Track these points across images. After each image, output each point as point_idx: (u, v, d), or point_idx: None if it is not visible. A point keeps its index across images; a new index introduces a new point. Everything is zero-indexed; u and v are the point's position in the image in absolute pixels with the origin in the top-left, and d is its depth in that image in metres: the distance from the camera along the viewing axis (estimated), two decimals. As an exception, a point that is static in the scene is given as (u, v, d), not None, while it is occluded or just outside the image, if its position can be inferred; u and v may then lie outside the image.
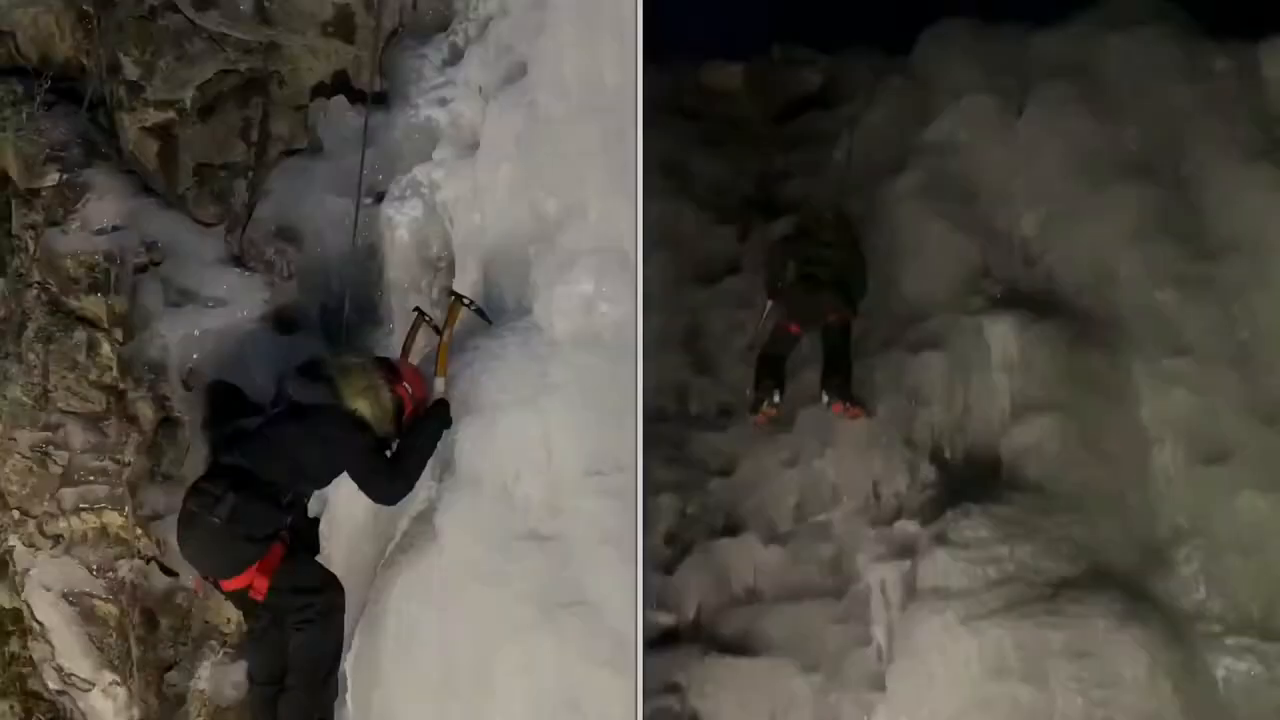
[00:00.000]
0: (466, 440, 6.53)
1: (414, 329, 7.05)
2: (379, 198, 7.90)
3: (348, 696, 6.48)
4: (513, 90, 7.30)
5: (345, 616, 6.52)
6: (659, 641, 8.67)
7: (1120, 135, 9.10)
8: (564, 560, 6.26)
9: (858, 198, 9.70)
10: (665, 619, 8.73)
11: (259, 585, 6.15)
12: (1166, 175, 8.88)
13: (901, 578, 7.73)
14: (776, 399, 8.69)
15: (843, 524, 8.31)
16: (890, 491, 8.24)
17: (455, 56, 8.01)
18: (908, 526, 7.92)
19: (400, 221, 7.71)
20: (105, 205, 8.37)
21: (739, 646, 8.28)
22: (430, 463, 6.57)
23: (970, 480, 7.96)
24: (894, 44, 10.55)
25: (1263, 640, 7.05)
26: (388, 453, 6.45)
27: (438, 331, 6.83)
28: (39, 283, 8.50)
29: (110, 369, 8.30)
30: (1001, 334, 8.27)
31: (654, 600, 8.80)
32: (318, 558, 6.78)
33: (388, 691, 6.31)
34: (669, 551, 8.99)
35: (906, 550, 7.81)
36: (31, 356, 8.35)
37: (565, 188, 6.93)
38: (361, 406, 6.29)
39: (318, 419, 6.27)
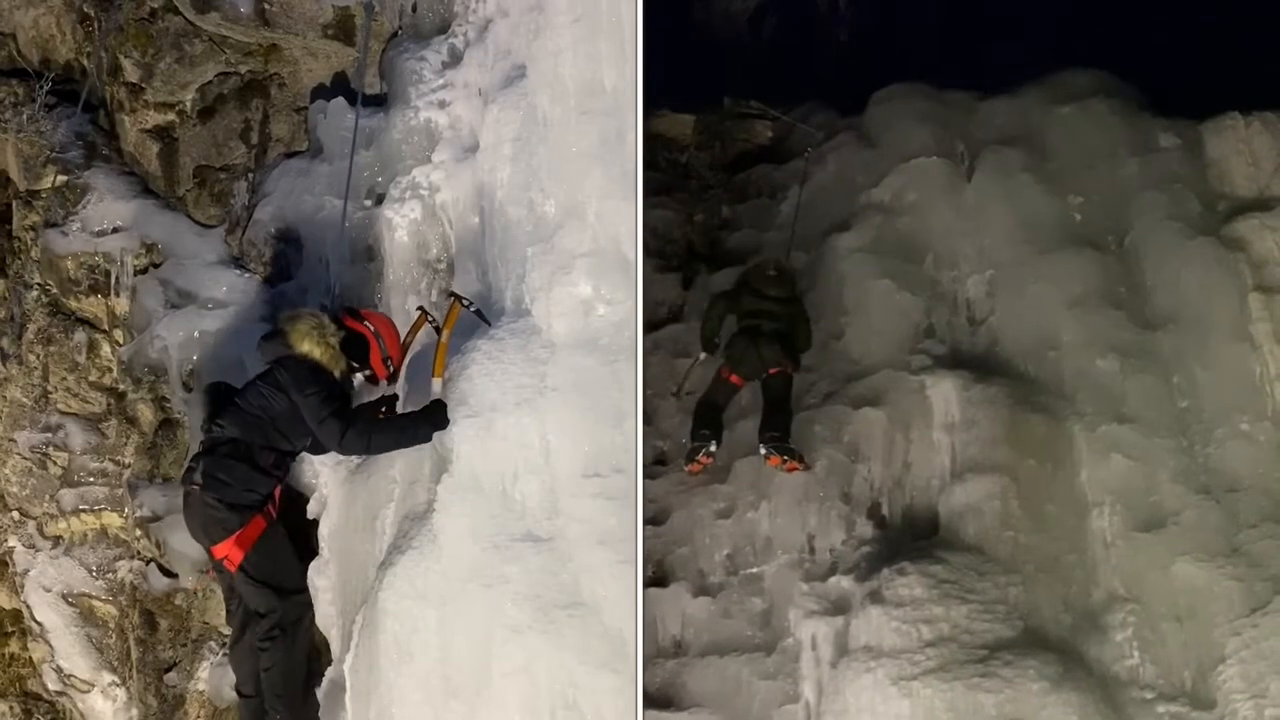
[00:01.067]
0: (465, 442, 6.44)
1: (414, 327, 7.04)
2: (379, 200, 7.86)
3: (345, 698, 6.42)
4: (512, 92, 7.25)
5: (343, 619, 6.57)
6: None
7: (1066, 205, 9.22)
8: (561, 562, 6.19)
9: (804, 252, 9.70)
10: (589, 668, 8.51)
11: (233, 555, 6.21)
12: (1110, 246, 8.99)
13: (834, 634, 7.60)
14: (713, 448, 8.60)
15: (775, 578, 8.20)
16: (825, 546, 8.15)
17: (455, 59, 7.97)
18: (842, 583, 7.82)
19: (400, 223, 7.66)
20: (105, 206, 8.46)
21: (664, 699, 8.10)
22: (429, 464, 6.57)
23: (907, 538, 7.91)
24: (846, 103, 10.57)
25: (1193, 708, 7.00)
26: (353, 402, 6.59)
27: (437, 331, 6.81)
28: (39, 284, 8.60)
29: (110, 370, 8.39)
30: (944, 393, 8.26)
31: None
32: (315, 561, 6.77)
33: (385, 692, 6.21)
34: (596, 599, 8.79)
35: (840, 607, 7.71)
36: (32, 358, 8.47)
37: (564, 190, 6.88)
38: (309, 347, 6.43)
39: (275, 370, 6.47)
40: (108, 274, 8.34)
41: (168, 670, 7.83)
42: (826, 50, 11.61)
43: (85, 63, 8.95)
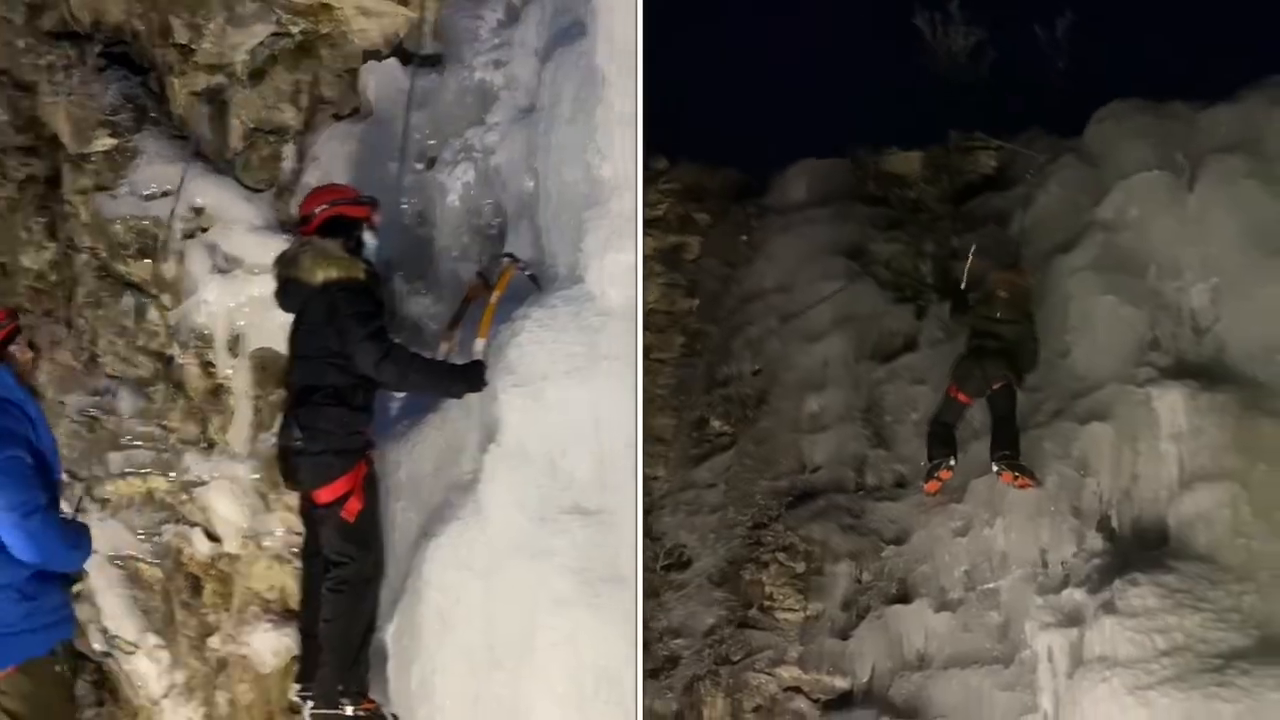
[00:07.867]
0: (513, 411, 6.05)
1: (469, 295, 6.70)
2: (430, 163, 7.46)
3: (388, 668, 6.15)
4: (569, 51, 6.65)
5: (386, 587, 6.35)
6: (835, 703, 8.58)
7: (1292, 205, 8.56)
8: (608, 535, 5.87)
9: (1031, 274, 9.44)
10: (841, 683, 8.62)
11: (351, 506, 5.99)
12: (1341, 241, 8.30)
13: (1069, 646, 7.40)
14: (951, 463, 8.56)
15: (1011, 592, 8.05)
16: (1058, 560, 7.93)
17: (511, 18, 7.46)
18: (1075, 595, 7.58)
19: (452, 187, 7.25)
20: (155, 170, 8.13)
21: (910, 710, 8.14)
22: (475, 433, 6.26)
23: (1138, 549, 7.57)
24: (1067, 126, 10.20)
25: None
26: (390, 333, 6.25)
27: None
28: (89, 248, 8.27)
29: (158, 334, 8.11)
30: (1170, 403, 7.85)
31: (831, 664, 8.71)
32: None
33: (428, 663, 5.98)
34: (845, 617, 8.88)
35: (1074, 618, 7.48)
36: (80, 321, 8.20)
37: (621, 152, 6.33)
38: (323, 274, 6.13)
39: (306, 307, 6.21)
40: (156, 238, 7.97)
41: (211, 634, 7.60)
42: (1046, 77, 11.22)
43: (136, 24, 8.38)
